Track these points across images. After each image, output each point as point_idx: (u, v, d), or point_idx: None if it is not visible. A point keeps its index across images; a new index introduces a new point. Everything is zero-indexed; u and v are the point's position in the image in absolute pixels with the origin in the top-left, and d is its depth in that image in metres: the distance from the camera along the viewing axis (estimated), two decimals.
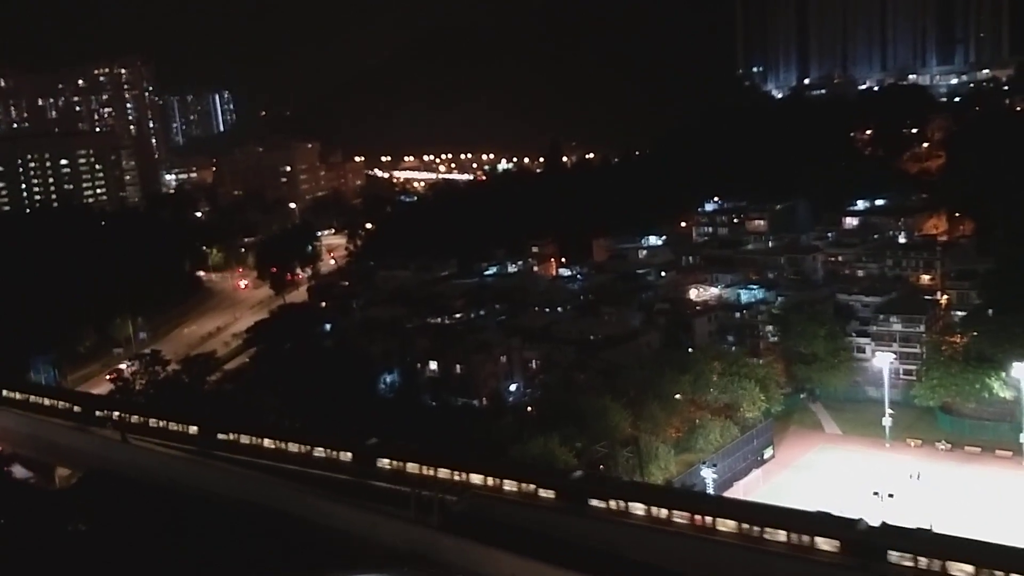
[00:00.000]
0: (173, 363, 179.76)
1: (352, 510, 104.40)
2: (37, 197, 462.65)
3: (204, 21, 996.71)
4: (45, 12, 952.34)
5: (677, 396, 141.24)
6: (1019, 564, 75.89)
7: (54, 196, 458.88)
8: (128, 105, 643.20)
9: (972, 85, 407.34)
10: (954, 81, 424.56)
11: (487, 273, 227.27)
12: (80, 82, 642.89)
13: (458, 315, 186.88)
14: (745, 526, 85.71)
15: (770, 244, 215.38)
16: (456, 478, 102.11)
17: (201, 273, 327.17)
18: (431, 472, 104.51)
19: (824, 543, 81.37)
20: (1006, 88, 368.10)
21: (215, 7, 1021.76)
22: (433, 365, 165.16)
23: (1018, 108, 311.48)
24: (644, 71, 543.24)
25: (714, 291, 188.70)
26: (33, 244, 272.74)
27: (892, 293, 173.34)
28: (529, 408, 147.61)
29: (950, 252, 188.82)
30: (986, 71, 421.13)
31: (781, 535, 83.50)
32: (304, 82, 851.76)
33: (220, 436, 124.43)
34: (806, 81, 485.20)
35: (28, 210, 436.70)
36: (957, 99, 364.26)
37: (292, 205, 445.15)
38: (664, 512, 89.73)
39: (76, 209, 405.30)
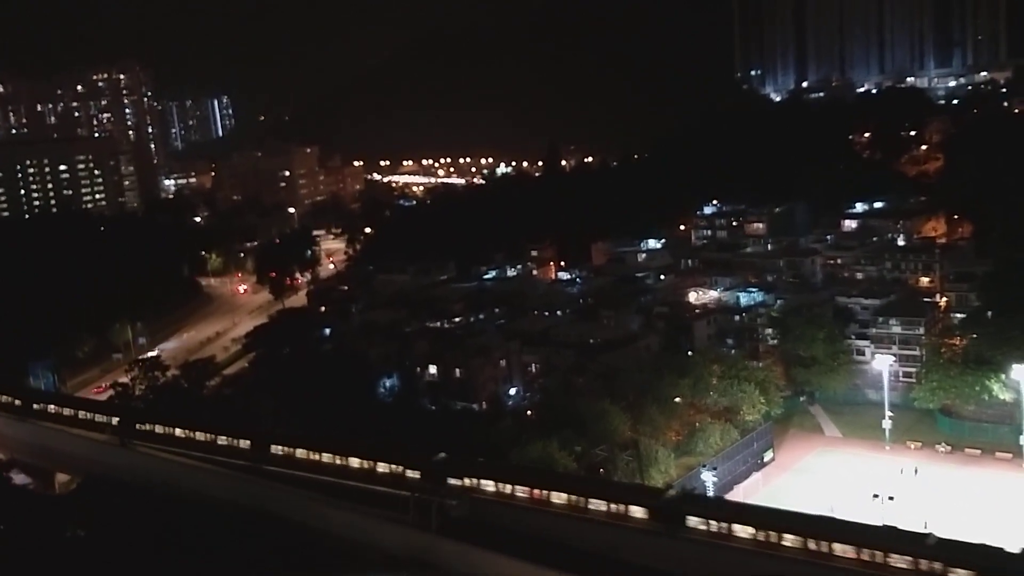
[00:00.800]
0: (172, 368, 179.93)
1: (351, 515, 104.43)
2: (36, 203, 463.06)
3: (202, 26, 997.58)
4: (43, 18, 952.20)
5: (676, 399, 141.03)
6: (792, 526, 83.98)
7: (53, 202, 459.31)
8: (127, 110, 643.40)
9: (970, 87, 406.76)
10: (952, 83, 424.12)
11: (486, 277, 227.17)
12: (79, 87, 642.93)
13: (457, 319, 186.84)
14: (574, 498, 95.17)
15: (769, 247, 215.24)
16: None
17: (200, 278, 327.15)
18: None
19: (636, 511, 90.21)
20: (1004, 90, 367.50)
21: (213, 12, 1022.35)
22: (432, 369, 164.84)
23: (1016, 110, 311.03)
24: (642, 74, 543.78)
25: (713, 294, 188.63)
26: (32, 249, 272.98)
27: (891, 295, 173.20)
28: (528, 412, 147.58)
29: (949, 254, 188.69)
30: (984, 73, 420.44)
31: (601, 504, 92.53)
32: (302, 86, 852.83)
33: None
34: (804, 84, 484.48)
35: (27, 216, 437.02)
36: (955, 101, 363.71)
37: (291, 210, 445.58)
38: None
39: (75, 214, 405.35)
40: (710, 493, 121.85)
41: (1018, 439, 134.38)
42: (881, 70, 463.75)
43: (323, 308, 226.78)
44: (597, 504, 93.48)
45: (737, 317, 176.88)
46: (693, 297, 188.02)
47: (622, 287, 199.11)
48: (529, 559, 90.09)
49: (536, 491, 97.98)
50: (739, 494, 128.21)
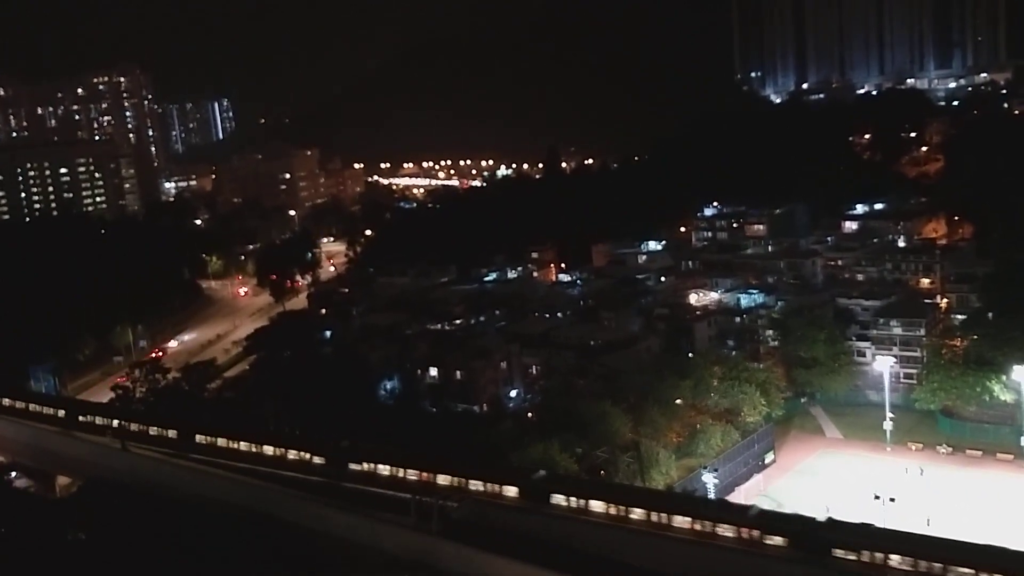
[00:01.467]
0: (173, 371, 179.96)
1: (352, 517, 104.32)
2: (37, 206, 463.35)
3: (202, 29, 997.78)
4: (44, 21, 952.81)
5: (677, 401, 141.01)
6: (637, 500, 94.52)
7: (54, 205, 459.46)
8: (127, 113, 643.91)
9: (970, 89, 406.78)
10: (952, 85, 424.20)
11: (486, 279, 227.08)
12: (79, 91, 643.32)
13: (458, 321, 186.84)
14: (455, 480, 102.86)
15: (769, 248, 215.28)
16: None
17: (201, 281, 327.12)
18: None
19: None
20: (1004, 92, 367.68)
21: (213, 15, 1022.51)
22: (433, 371, 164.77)
23: (1016, 111, 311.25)
24: (642, 76, 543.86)
25: (714, 296, 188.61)
26: (33, 252, 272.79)
27: (892, 297, 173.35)
28: (529, 414, 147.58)
29: (949, 255, 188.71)
30: (984, 75, 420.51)
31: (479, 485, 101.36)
32: (303, 89, 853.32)
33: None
34: (804, 85, 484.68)
35: (28, 219, 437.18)
36: (955, 103, 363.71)
37: (291, 212, 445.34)
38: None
39: (76, 217, 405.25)
40: (711, 495, 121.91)
41: (1019, 440, 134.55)
42: (881, 71, 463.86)
43: (324, 310, 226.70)
44: (476, 484, 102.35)
45: (738, 318, 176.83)
46: (694, 299, 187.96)
47: (623, 289, 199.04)
48: (530, 561, 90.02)
49: (424, 474, 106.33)
50: (740, 496, 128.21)
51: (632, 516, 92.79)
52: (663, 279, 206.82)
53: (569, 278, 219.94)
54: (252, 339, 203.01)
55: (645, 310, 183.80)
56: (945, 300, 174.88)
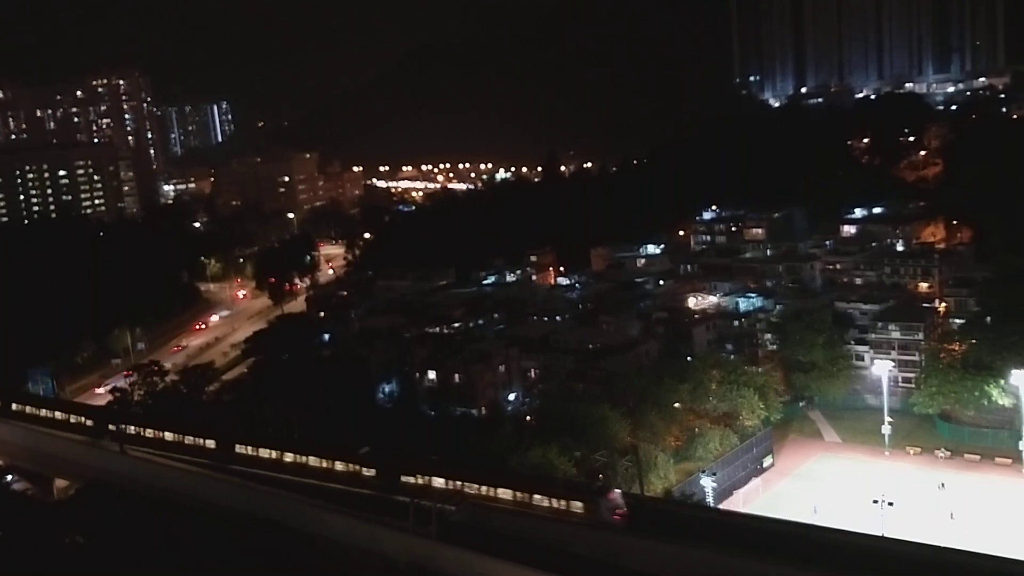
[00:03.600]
0: (171, 374, 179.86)
1: (351, 521, 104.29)
2: (35, 208, 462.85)
3: (202, 32, 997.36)
4: (44, 24, 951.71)
5: (676, 405, 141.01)
6: (468, 476, 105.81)
7: (52, 207, 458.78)
8: (126, 116, 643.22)
9: (969, 93, 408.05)
10: (951, 89, 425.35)
11: (485, 282, 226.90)
12: (78, 93, 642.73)
13: (457, 324, 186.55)
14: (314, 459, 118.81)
15: (768, 252, 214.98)
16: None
17: (199, 284, 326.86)
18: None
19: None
20: (1003, 96, 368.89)
21: (213, 18, 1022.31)
22: (432, 375, 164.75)
23: (1015, 116, 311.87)
24: (642, 80, 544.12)
25: (712, 299, 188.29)
26: (32, 255, 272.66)
27: (890, 301, 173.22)
28: (528, 417, 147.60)
29: (948, 260, 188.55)
30: (983, 79, 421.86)
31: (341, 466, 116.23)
32: (303, 92, 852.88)
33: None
34: (803, 90, 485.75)
35: (26, 221, 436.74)
36: (954, 107, 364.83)
37: (290, 215, 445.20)
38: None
39: (75, 220, 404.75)
40: (710, 499, 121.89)
41: (1018, 444, 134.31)
42: (880, 76, 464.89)
43: (322, 314, 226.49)
44: (340, 466, 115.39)
45: (736, 322, 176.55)
46: (692, 302, 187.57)
47: (621, 292, 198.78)
48: (529, 564, 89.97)
49: (275, 452, 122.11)
50: (739, 500, 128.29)
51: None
52: (662, 283, 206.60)
53: (568, 282, 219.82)
54: (251, 342, 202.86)
55: (644, 314, 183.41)
56: (944, 304, 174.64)
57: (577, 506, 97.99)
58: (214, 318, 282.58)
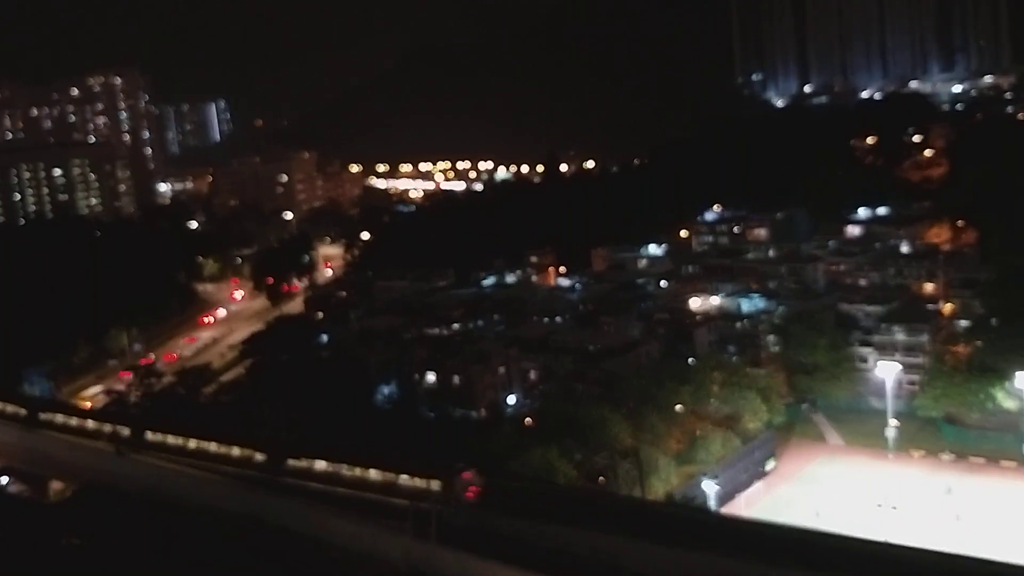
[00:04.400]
0: (168, 375, 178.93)
1: (351, 524, 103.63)
2: (32, 207, 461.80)
3: (200, 31, 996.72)
4: (40, 22, 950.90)
5: (677, 407, 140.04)
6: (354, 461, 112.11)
7: (49, 206, 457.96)
8: (123, 115, 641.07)
9: (973, 93, 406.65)
10: (955, 89, 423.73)
11: (485, 283, 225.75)
12: (75, 92, 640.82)
13: (456, 325, 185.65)
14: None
15: (771, 253, 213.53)
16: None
17: (197, 284, 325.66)
18: None
19: None
20: (1007, 96, 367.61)
21: (213, 17, 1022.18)
22: (431, 376, 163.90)
23: (1020, 116, 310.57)
24: (643, 79, 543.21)
25: (714, 301, 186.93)
26: (28, 255, 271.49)
27: (894, 302, 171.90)
28: (528, 419, 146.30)
29: (953, 261, 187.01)
30: (987, 79, 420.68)
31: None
32: (302, 92, 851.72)
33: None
34: (806, 89, 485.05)
35: (23, 221, 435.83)
36: (958, 107, 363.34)
37: (289, 215, 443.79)
38: None
39: (71, 220, 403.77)
40: (712, 502, 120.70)
41: (1022, 447, 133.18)
42: (883, 75, 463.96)
43: (321, 314, 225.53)
44: (236, 451, 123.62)
45: (739, 324, 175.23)
46: (694, 303, 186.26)
47: (622, 293, 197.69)
48: (530, 568, 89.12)
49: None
50: (741, 503, 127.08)
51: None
52: (663, 283, 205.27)
53: (568, 282, 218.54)
54: (248, 343, 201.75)
55: (645, 315, 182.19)
56: (948, 306, 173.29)
57: (435, 484, 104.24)
58: (221, 312, 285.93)
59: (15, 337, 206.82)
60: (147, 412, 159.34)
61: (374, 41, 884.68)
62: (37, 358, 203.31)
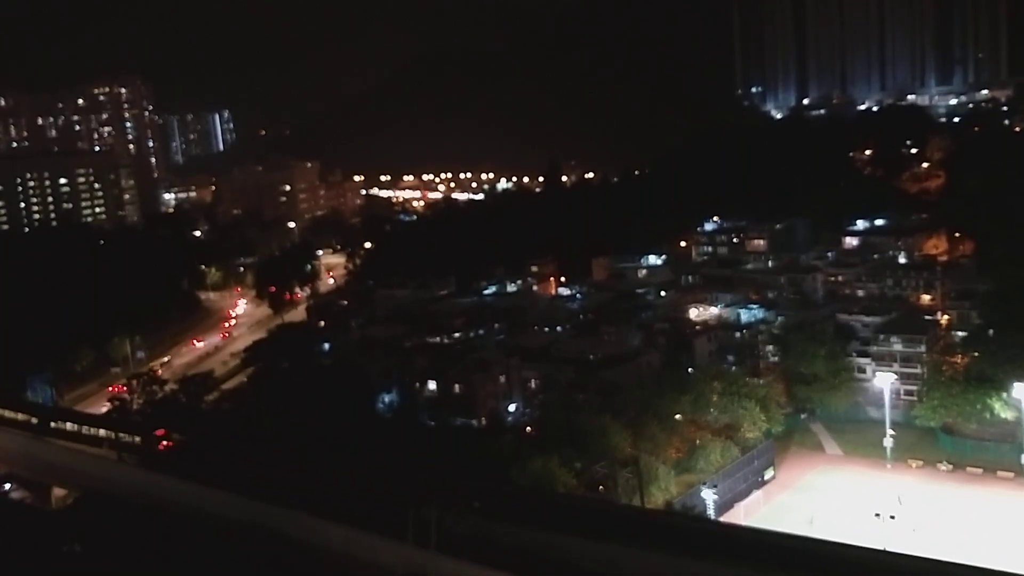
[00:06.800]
0: (171, 382, 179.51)
1: (351, 532, 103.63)
2: (36, 216, 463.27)
3: (204, 40, 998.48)
4: (45, 31, 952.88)
5: (677, 416, 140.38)
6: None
7: (53, 215, 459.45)
8: (127, 124, 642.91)
9: (971, 105, 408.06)
10: (953, 101, 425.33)
11: (486, 292, 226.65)
12: (80, 101, 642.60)
13: (457, 334, 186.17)
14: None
15: (770, 264, 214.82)
16: None
17: (199, 292, 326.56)
18: None
19: None
20: (1005, 108, 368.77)
21: (216, 26, 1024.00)
22: (432, 385, 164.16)
23: (1017, 128, 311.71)
24: (644, 90, 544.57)
25: (714, 311, 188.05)
26: (32, 263, 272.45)
27: (892, 313, 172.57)
28: (528, 428, 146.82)
29: (950, 272, 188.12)
30: (985, 92, 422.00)
31: None
32: (304, 101, 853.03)
33: None
34: (805, 101, 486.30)
35: (27, 229, 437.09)
36: (956, 119, 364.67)
37: (291, 224, 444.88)
38: None
39: (75, 228, 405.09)
40: (710, 511, 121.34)
41: (1020, 458, 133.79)
42: (882, 87, 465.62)
43: (322, 323, 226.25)
44: (9, 413, 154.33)
45: (738, 334, 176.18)
46: (694, 313, 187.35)
47: (623, 303, 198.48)
48: None
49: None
50: (740, 512, 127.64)
51: None
52: (663, 293, 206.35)
53: (569, 292, 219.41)
54: (250, 351, 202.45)
55: (645, 324, 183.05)
56: (946, 317, 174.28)
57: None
58: (239, 308, 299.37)
59: (18, 344, 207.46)
60: (148, 419, 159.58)
61: (376, 51, 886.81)
62: (40, 365, 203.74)
